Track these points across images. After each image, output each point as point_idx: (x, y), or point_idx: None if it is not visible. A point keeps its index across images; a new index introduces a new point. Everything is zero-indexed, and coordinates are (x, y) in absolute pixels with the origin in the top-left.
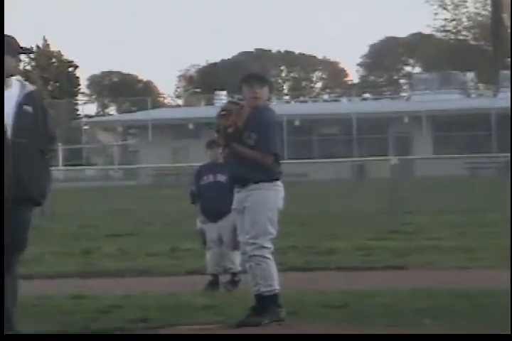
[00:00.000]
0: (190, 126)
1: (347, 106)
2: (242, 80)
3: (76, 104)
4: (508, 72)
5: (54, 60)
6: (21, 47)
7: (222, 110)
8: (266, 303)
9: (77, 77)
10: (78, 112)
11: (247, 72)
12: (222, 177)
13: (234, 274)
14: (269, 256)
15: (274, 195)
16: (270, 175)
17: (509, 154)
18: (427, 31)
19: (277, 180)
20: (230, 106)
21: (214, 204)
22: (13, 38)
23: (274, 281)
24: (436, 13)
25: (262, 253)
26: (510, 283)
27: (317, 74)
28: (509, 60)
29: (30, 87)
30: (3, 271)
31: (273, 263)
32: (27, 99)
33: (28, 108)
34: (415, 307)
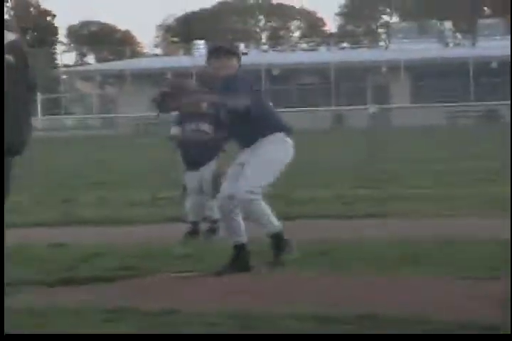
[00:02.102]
0: (169, 76)
1: (325, 55)
2: (209, 52)
3: (54, 53)
4: (487, 20)
5: (32, 9)
6: None
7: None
8: (281, 240)
9: (56, 27)
10: (56, 61)
11: (214, 45)
12: (204, 126)
13: (213, 222)
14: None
15: (282, 147)
16: (277, 127)
17: (488, 103)
18: None
19: (285, 133)
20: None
21: (195, 152)
22: None
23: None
24: None
25: (257, 198)
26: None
27: (295, 23)
28: (486, 9)
29: (10, 36)
30: (3, 270)
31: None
32: (8, 48)
33: (9, 57)
34: (396, 255)
